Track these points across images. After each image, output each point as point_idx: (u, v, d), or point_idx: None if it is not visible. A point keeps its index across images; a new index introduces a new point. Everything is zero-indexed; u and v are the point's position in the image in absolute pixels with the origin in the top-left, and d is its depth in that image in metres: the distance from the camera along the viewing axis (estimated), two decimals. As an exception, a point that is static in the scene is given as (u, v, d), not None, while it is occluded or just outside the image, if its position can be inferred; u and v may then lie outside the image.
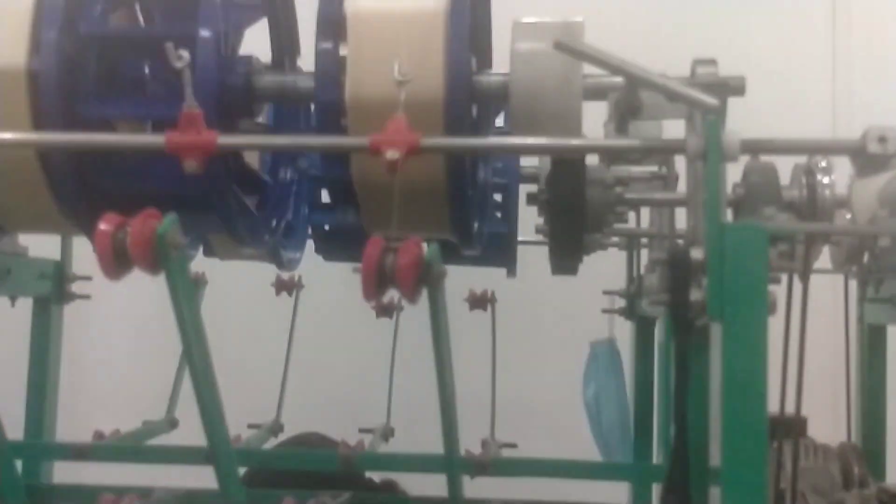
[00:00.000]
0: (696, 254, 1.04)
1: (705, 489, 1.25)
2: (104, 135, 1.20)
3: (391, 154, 1.09)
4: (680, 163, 1.37)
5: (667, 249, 1.25)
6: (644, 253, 2.03)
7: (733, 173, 1.34)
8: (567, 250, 1.32)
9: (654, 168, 1.65)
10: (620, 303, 2.10)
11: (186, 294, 0.93)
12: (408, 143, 1.10)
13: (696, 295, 1.05)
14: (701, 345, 1.24)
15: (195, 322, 0.94)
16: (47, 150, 1.25)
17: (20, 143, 1.21)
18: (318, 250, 1.85)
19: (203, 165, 1.11)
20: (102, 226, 0.90)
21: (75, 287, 2.05)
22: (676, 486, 1.11)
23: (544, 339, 2.93)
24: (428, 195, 1.28)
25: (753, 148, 1.08)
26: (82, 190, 1.22)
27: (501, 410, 2.16)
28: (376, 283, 0.91)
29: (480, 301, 2.17)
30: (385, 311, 2.29)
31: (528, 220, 1.69)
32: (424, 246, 0.93)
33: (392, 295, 2.24)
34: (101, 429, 1.84)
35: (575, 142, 1.14)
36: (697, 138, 1.05)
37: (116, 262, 0.91)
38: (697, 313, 1.06)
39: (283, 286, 2.20)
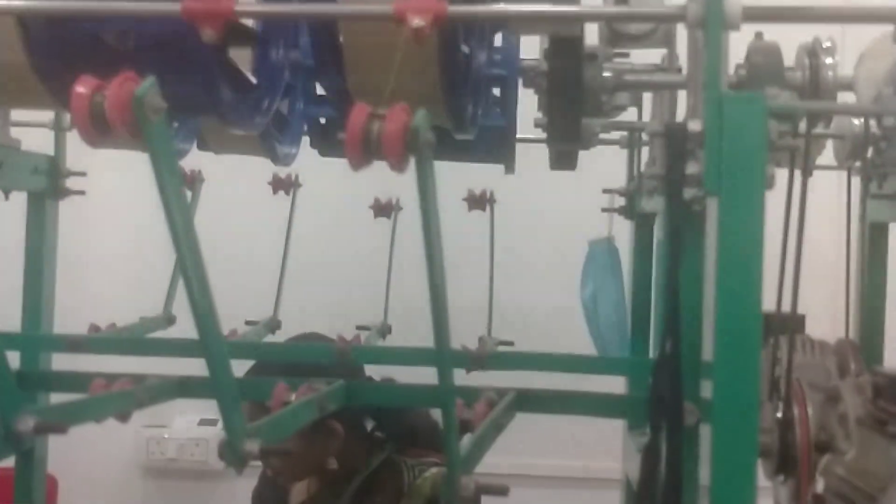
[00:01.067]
0: (694, 126, 1.01)
1: (697, 383, 1.24)
2: (116, 2, 1.16)
3: (417, 22, 1.05)
4: (682, 56, 1.34)
5: (664, 124, 1.22)
6: (645, 151, 2.00)
7: (737, 55, 1.31)
8: (565, 135, 1.29)
9: (657, 62, 1.62)
10: (620, 202, 2.07)
11: (168, 162, 0.90)
12: (434, 10, 1.06)
13: (692, 168, 1.03)
14: (696, 232, 1.22)
15: (177, 193, 0.91)
16: (33, 25, 1.21)
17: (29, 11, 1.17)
18: (313, 145, 1.82)
19: (220, 34, 1.09)
20: (79, 88, 0.87)
21: (70, 183, 2.03)
22: (667, 361, 1.10)
23: (543, 239, 2.93)
24: (421, 79, 1.25)
25: (757, 16, 1.04)
26: (65, 63, 1.18)
27: (499, 311, 2.16)
28: (362, 151, 0.89)
29: (479, 201, 2.16)
30: (383, 210, 2.27)
31: (529, 119, 1.66)
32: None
33: (391, 195, 2.27)
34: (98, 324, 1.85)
35: (574, 9, 1.10)
36: (698, 5, 1.02)
37: (94, 126, 0.88)
38: (693, 188, 1.04)
39: (280, 185, 2.17)
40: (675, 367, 1.09)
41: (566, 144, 1.34)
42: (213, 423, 3.19)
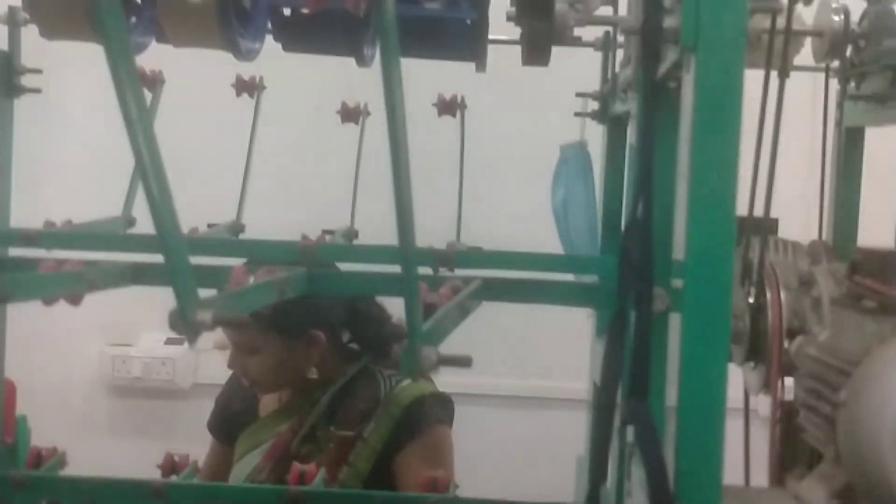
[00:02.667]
0: (672, -25, 0.97)
1: (668, 279, 1.21)
2: None
3: None
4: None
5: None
6: (620, 54, 1.95)
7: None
8: (536, 11, 1.24)
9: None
10: (593, 106, 2.03)
11: (116, 29, 0.82)
12: None
13: (669, 22, 0.98)
14: (670, 117, 1.18)
15: (127, 61, 0.83)
16: None
17: None
18: (276, 38, 1.76)
19: None
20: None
21: (25, 80, 1.96)
22: (638, 224, 1.07)
23: (514, 145, 2.89)
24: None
25: None
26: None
27: (468, 218, 2.12)
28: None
29: (450, 106, 2.10)
30: (350, 115, 2.22)
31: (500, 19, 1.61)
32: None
33: (358, 100, 2.21)
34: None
35: None
36: None
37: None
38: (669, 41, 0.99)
39: (243, 87, 2.10)
40: (646, 229, 1.05)
41: (537, 22, 1.28)
42: (179, 342, 3.16)
